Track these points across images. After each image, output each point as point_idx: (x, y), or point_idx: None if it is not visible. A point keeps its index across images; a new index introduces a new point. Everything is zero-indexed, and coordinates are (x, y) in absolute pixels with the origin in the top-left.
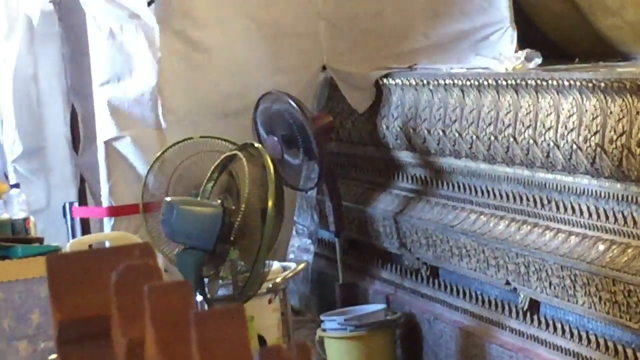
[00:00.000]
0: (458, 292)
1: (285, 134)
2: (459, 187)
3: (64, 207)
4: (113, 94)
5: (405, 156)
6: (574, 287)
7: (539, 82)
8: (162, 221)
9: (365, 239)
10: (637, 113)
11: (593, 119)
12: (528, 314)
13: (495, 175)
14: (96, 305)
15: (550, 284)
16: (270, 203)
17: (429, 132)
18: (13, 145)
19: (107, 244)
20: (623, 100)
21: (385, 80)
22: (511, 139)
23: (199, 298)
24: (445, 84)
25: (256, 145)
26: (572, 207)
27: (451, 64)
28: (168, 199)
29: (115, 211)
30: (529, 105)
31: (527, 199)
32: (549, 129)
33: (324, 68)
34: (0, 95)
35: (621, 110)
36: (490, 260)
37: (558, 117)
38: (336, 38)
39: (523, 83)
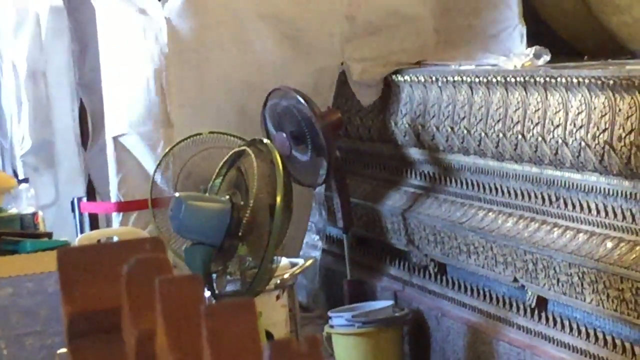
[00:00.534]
0: (466, 289)
1: (293, 130)
2: (467, 184)
3: (72, 203)
4: (121, 89)
5: (413, 153)
6: (582, 284)
7: (547, 79)
8: (171, 217)
9: (373, 236)
10: None
11: (602, 116)
12: (536, 311)
13: (504, 172)
14: (107, 298)
15: (558, 281)
16: (278, 199)
17: (437, 128)
18: (22, 140)
19: (116, 240)
20: (632, 97)
21: (393, 77)
22: (520, 136)
23: (207, 294)
24: (454, 80)
25: (265, 141)
26: (581, 205)
27: (460, 60)
28: (177, 194)
29: (123, 207)
30: (537, 103)
31: (536, 196)
32: (558, 126)
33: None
34: (9, 91)
35: (630, 108)
36: (498, 257)
37: (567, 114)
38: (353, 37)
39: (532, 80)
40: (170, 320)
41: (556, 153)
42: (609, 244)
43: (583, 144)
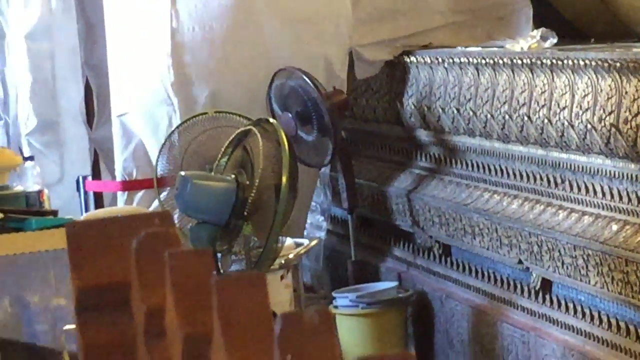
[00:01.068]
0: (470, 271)
1: (299, 111)
2: (472, 165)
3: (77, 181)
4: (127, 68)
5: (419, 134)
6: (587, 266)
7: (554, 61)
8: (176, 195)
9: (378, 217)
10: None
11: (608, 98)
12: (540, 293)
13: (509, 154)
14: (116, 272)
15: (562, 263)
16: (284, 179)
17: (443, 110)
18: (27, 119)
19: None
20: (638, 80)
21: (399, 58)
22: (525, 118)
23: None
24: (460, 62)
25: (271, 120)
26: (586, 187)
27: (466, 42)
28: (182, 173)
29: (128, 185)
30: (543, 85)
31: (541, 178)
32: (564, 108)
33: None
34: (15, 69)
35: (636, 91)
36: (503, 239)
37: (573, 96)
38: (360, 23)
39: (538, 62)
40: (180, 293)
41: (562, 135)
42: (614, 227)
43: (589, 126)
